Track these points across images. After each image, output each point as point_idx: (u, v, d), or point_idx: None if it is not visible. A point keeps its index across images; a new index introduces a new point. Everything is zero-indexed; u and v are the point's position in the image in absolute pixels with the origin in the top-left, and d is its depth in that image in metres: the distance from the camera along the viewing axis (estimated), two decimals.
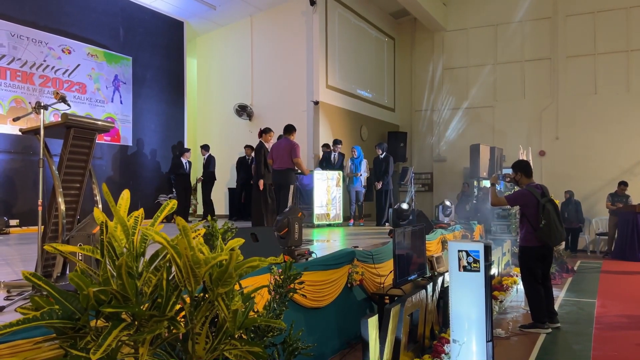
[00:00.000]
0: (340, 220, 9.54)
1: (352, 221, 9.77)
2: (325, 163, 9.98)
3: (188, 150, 10.57)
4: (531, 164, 5.74)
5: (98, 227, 1.86)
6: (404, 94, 14.88)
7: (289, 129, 7.86)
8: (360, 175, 9.66)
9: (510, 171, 5.61)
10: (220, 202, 12.03)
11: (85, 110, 9.15)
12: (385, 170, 9.62)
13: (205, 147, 10.88)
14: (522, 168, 5.37)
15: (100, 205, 3.45)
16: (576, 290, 7.16)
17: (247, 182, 10.84)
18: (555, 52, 12.84)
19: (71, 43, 9.03)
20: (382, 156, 9.76)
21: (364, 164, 9.77)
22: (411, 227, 5.07)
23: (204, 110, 12.84)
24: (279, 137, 8.44)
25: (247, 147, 10.84)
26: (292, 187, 7.62)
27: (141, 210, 1.94)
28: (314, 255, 4.50)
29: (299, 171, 7.86)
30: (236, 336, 1.98)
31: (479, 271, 3.41)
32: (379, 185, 9.59)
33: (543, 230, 4.96)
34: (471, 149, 10.11)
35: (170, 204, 2.04)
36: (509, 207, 8.04)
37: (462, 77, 13.86)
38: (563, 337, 4.88)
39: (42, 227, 3.33)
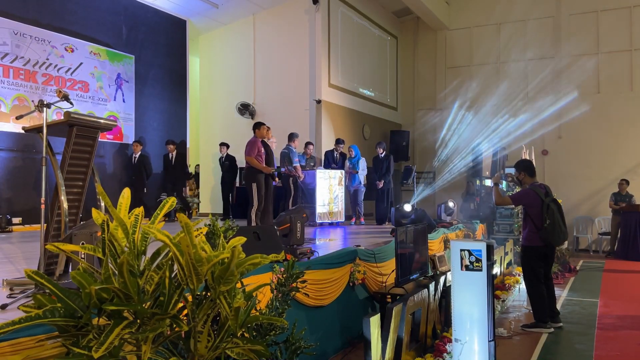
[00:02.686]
0: (343, 219, 9.55)
1: (353, 220, 9.77)
2: (330, 162, 9.98)
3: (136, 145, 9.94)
4: (534, 163, 5.73)
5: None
6: (406, 93, 14.86)
7: (255, 126, 7.63)
8: (358, 173, 9.65)
9: (513, 171, 5.60)
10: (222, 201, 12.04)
11: (88, 109, 9.16)
12: (387, 170, 9.61)
13: (170, 143, 10.35)
14: (525, 167, 5.36)
15: (102, 204, 3.45)
16: (579, 290, 7.14)
17: (227, 180, 10.72)
18: (558, 51, 12.80)
19: (74, 41, 9.04)
20: (382, 155, 9.75)
21: (362, 162, 9.77)
22: (413, 226, 5.07)
23: (206, 109, 12.85)
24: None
25: (222, 145, 10.75)
26: (253, 185, 7.28)
27: (141, 209, 1.94)
28: (316, 254, 4.50)
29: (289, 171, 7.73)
30: (238, 334, 1.97)
31: (481, 270, 3.40)
32: (381, 184, 9.59)
33: (547, 229, 4.95)
34: (474, 148, 10.09)
35: (169, 202, 2.03)
36: (512, 206, 8.02)
37: (465, 76, 13.84)
38: (565, 337, 4.87)
39: (45, 225, 3.33)
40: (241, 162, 11.71)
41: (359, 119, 12.41)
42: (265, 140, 8.06)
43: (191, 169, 11.98)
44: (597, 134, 12.33)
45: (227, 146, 10.81)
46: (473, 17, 13.68)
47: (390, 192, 9.69)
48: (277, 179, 8.22)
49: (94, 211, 1.90)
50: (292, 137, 9.17)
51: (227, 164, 10.75)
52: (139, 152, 9.94)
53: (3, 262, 4.55)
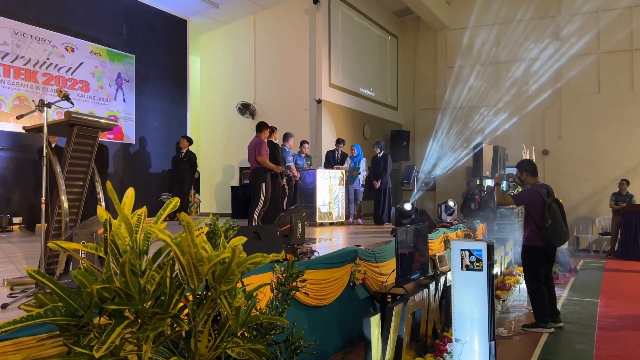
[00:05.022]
0: (343, 219, 9.55)
1: (350, 219, 9.77)
2: (331, 162, 9.98)
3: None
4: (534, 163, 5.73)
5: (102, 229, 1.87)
6: (406, 93, 14.86)
7: (260, 127, 7.60)
8: (359, 174, 9.65)
9: (514, 171, 5.60)
10: (224, 200, 12.05)
11: (88, 109, 9.16)
12: (384, 169, 9.61)
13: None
14: (527, 167, 5.36)
15: (102, 203, 3.46)
16: (579, 290, 7.14)
17: (186, 179, 10.01)
18: (559, 51, 12.80)
19: (74, 41, 9.04)
20: (380, 155, 9.76)
21: (364, 163, 9.77)
22: (414, 226, 5.07)
23: (206, 109, 12.85)
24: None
25: (183, 138, 10.06)
26: (262, 185, 7.32)
27: (144, 209, 1.95)
28: (316, 254, 4.50)
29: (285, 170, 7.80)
30: (238, 334, 1.98)
31: (481, 270, 3.40)
32: (378, 184, 9.59)
33: (548, 230, 4.95)
34: (474, 148, 10.08)
35: (173, 202, 2.04)
36: (512, 206, 8.02)
37: (465, 76, 13.83)
38: (566, 337, 4.88)
39: (46, 224, 3.34)
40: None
41: (359, 118, 12.41)
42: (273, 140, 8.14)
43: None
44: (597, 134, 12.33)
45: (190, 141, 10.10)
46: (473, 17, 13.68)
47: (388, 192, 9.69)
48: (283, 179, 8.30)
49: (99, 208, 1.90)
50: (286, 137, 9.17)
51: (187, 160, 9.95)
52: (186, 149, 9.83)
53: (3, 261, 4.55)
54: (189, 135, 11.61)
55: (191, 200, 10.90)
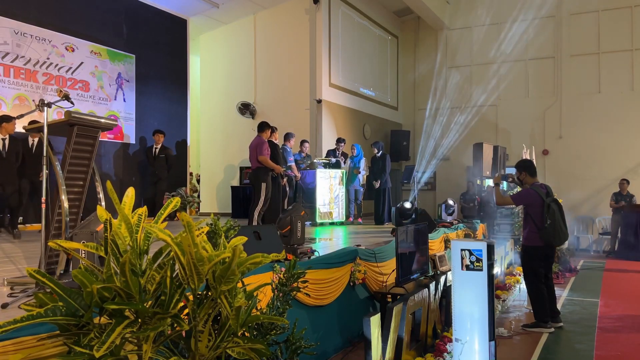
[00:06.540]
0: (343, 219, 9.55)
1: (351, 219, 9.78)
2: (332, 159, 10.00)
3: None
4: (534, 163, 5.73)
5: (102, 225, 1.86)
6: (407, 93, 14.86)
7: (261, 127, 7.61)
8: (360, 173, 9.66)
9: (513, 171, 5.60)
10: (225, 200, 12.05)
11: (89, 108, 9.15)
12: (382, 169, 9.62)
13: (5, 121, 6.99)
14: (526, 167, 5.36)
15: (103, 203, 3.46)
16: (579, 290, 7.14)
17: (162, 178, 9.55)
18: (559, 51, 12.80)
19: (74, 41, 9.04)
20: (378, 155, 9.77)
21: (363, 162, 9.77)
22: (414, 225, 5.07)
23: (207, 109, 12.85)
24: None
25: (157, 132, 9.59)
26: (263, 185, 7.34)
27: (145, 208, 1.95)
28: (316, 254, 4.50)
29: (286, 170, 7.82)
30: (239, 334, 1.98)
31: (481, 270, 3.40)
32: (377, 184, 9.60)
33: (547, 230, 4.96)
34: (474, 148, 10.08)
35: (173, 202, 2.04)
36: (513, 206, 8.02)
37: (466, 76, 13.84)
38: (566, 337, 4.88)
39: (46, 224, 3.33)
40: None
41: (359, 118, 12.41)
42: (273, 140, 8.16)
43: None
44: (597, 134, 12.33)
45: (164, 135, 9.62)
46: (473, 17, 13.69)
47: (387, 192, 9.69)
48: (284, 179, 8.32)
49: (99, 208, 1.90)
50: (287, 136, 9.18)
51: (163, 157, 9.46)
52: (161, 144, 9.51)
53: (4, 261, 4.55)
54: (188, 134, 11.62)
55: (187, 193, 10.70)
